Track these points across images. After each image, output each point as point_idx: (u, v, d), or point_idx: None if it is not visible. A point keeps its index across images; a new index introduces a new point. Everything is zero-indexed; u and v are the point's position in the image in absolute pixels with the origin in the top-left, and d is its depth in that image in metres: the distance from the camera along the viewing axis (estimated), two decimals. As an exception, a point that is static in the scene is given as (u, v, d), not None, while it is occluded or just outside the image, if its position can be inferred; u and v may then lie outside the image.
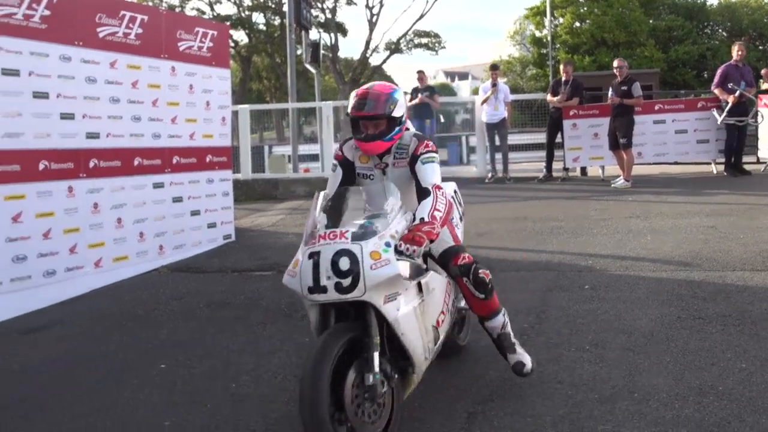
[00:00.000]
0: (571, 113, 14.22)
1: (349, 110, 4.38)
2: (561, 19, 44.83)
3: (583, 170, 15.11)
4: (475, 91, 16.50)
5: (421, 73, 16.06)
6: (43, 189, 7.42)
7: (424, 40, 47.35)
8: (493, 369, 4.92)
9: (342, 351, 3.65)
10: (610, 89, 13.41)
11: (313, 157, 18.31)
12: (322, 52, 21.42)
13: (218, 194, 9.80)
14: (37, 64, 7.37)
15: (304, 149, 20.29)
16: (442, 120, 17.88)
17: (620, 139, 12.92)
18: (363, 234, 3.85)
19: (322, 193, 4.18)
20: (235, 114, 14.77)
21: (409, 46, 46.99)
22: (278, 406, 4.60)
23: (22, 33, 7.19)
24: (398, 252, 3.83)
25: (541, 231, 9.36)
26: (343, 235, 3.80)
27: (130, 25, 8.42)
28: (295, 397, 3.95)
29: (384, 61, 48.06)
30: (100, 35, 8.08)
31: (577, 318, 5.91)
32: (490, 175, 14.77)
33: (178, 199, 9.12)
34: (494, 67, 15.86)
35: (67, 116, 7.68)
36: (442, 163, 16.92)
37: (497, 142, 14.73)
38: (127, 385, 5.13)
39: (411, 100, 15.39)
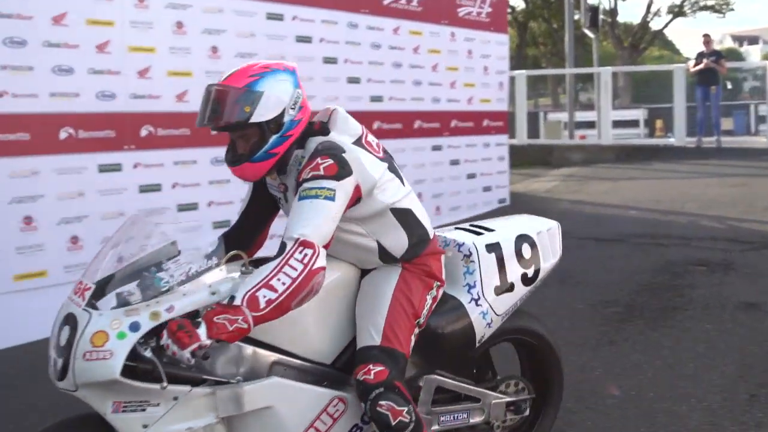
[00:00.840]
0: None
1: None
2: None
3: None
4: (766, 57, 15.31)
5: (706, 36, 15.21)
6: (330, 149, 7.84)
7: (711, 2, 44.57)
8: (780, 351, 4.65)
9: None
10: None
11: (590, 125, 17.94)
12: (600, 16, 20.90)
13: (494, 158, 9.93)
14: (327, 31, 7.81)
15: (581, 116, 19.90)
16: (729, 87, 16.87)
17: None
18: (125, 298, 2.46)
19: (136, 216, 2.83)
20: (511, 79, 14.79)
21: (694, 8, 44.43)
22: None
23: (314, 2, 7.65)
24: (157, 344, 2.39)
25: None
26: (83, 291, 2.48)
27: (413, -8, 8.69)
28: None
29: (665, 26, 45.86)
30: (384, 3, 8.41)
31: None
32: (781, 145, 13.80)
33: (455, 162, 9.34)
34: (789, 30, 14.72)
35: (353, 80, 8.09)
36: (727, 132, 16.26)
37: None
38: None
39: (695, 66, 14.69)
